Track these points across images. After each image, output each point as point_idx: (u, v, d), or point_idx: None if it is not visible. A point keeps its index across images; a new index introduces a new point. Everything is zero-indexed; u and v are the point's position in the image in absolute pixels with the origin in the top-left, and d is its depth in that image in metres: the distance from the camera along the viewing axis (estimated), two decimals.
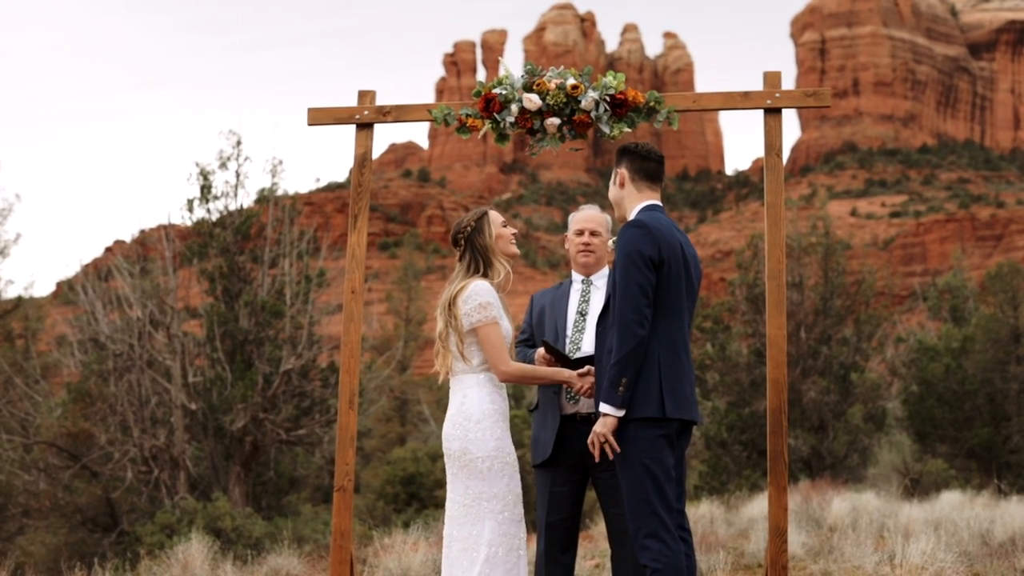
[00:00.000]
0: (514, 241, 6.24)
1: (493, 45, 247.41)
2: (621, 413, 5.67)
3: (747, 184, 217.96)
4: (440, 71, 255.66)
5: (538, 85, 6.41)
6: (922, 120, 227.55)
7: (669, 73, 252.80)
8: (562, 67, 6.59)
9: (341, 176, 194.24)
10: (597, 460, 5.75)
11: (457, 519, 5.92)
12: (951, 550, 8.53)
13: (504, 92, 6.47)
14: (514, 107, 6.43)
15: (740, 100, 6.61)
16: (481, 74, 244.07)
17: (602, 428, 5.68)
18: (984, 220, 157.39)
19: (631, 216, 6.06)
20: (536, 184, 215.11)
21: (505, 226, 6.23)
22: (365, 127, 6.87)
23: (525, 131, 6.51)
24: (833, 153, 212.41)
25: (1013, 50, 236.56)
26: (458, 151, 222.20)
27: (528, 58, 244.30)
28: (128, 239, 40.43)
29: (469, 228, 6.17)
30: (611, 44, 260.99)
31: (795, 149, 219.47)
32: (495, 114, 6.49)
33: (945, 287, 32.35)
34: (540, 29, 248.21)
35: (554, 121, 6.40)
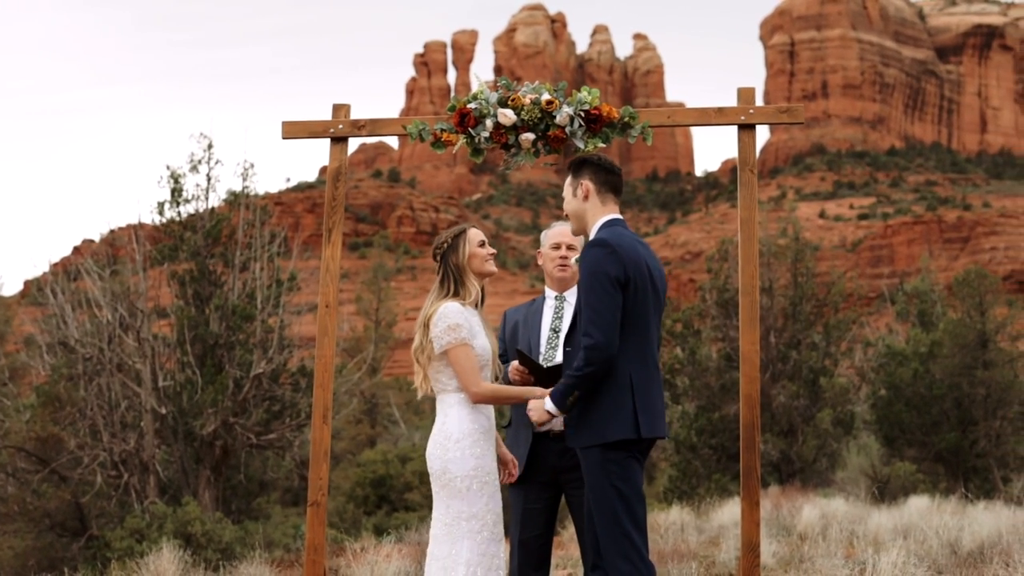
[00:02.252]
0: (490, 260, 6.25)
1: (463, 46, 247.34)
2: (561, 417, 5.80)
3: (716, 185, 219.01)
4: (410, 70, 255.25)
5: (513, 100, 6.42)
6: (890, 123, 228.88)
7: (639, 75, 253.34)
8: (537, 82, 6.61)
9: (311, 176, 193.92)
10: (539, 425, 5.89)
11: (438, 538, 5.95)
12: (922, 563, 8.60)
13: (479, 107, 6.49)
14: (489, 122, 6.44)
15: (714, 116, 6.66)
16: (451, 75, 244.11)
17: (537, 417, 5.82)
18: (951, 222, 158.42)
19: (593, 230, 6.06)
20: (506, 185, 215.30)
21: (483, 245, 6.24)
22: (339, 141, 6.89)
23: (500, 146, 6.52)
24: (802, 155, 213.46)
25: (980, 54, 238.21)
26: (428, 151, 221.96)
27: (499, 59, 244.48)
28: (97, 238, 40.24)
29: (445, 245, 6.21)
30: (581, 45, 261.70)
31: (764, 151, 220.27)
32: (470, 129, 6.50)
33: (913, 291, 32.52)
34: (511, 30, 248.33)
35: (529, 136, 6.41)
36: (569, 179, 6.23)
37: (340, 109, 6.91)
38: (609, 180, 6.14)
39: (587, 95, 6.44)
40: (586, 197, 6.11)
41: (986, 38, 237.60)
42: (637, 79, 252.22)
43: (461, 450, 5.94)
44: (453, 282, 6.14)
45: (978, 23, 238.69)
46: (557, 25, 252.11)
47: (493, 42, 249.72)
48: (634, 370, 5.76)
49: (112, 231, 31.12)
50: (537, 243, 7.08)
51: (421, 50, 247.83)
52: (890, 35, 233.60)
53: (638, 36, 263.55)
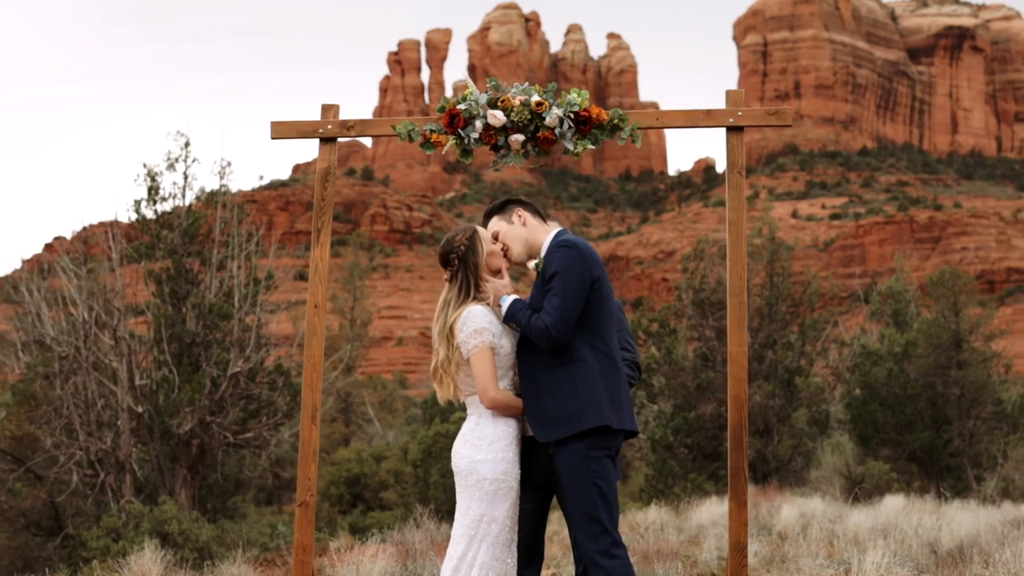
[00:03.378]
0: (501, 255, 6.24)
1: (437, 44, 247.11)
2: (506, 308, 6.01)
3: (689, 185, 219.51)
4: (384, 68, 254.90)
5: (503, 101, 6.41)
6: (862, 123, 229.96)
7: (612, 74, 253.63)
8: (527, 83, 6.60)
9: (284, 174, 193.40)
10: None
11: (455, 537, 5.94)
12: (905, 564, 8.65)
13: (468, 108, 6.48)
14: (478, 123, 6.43)
15: (703, 118, 6.67)
16: (425, 73, 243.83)
17: (492, 297, 6.09)
18: (922, 222, 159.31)
19: (547, 242, 6.17)
20: (479, 184, 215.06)
21: (493, 242, 6.24)
22: (328, 141, 6.86)
23: (489, 147, 6.52)
24: (775, 155, 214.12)
25: (951, 55, 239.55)
26: (402, 150, 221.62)
27: (472, 57, 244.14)
28: (69, 235, 39.97)
29: (463, 247, 6.12)
30: (555, 44, 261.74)
31: None
32: (459, 130, 6.49)
33: (887, 291, 32.64)
34: (485, 29, 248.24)
35: (518, 138, 6.41)
36: (496, 220, 6.35)
37: (329, 109, 6.89)
38: (536, 209, 6.36)
39: (576, 97, 6.45)
40: (525, 223, 6.27)
41: (957, 39, 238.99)
42: (611, 78, 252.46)
43: (494, 452, 5.92)
44: (473, 284, 6.09)
45: (949, 24, 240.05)
46: (531, 24, 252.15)
47: (467, 41, 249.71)
48: (602, 364, 5.93)
49: (85, 228, 30.95)
50: None
51: (395, 48, 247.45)
52: (862, 36, 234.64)
53: (612, 35, 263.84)
